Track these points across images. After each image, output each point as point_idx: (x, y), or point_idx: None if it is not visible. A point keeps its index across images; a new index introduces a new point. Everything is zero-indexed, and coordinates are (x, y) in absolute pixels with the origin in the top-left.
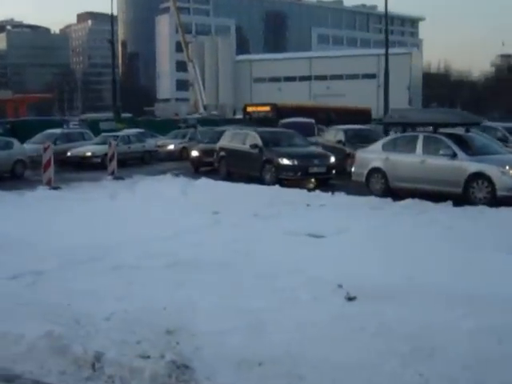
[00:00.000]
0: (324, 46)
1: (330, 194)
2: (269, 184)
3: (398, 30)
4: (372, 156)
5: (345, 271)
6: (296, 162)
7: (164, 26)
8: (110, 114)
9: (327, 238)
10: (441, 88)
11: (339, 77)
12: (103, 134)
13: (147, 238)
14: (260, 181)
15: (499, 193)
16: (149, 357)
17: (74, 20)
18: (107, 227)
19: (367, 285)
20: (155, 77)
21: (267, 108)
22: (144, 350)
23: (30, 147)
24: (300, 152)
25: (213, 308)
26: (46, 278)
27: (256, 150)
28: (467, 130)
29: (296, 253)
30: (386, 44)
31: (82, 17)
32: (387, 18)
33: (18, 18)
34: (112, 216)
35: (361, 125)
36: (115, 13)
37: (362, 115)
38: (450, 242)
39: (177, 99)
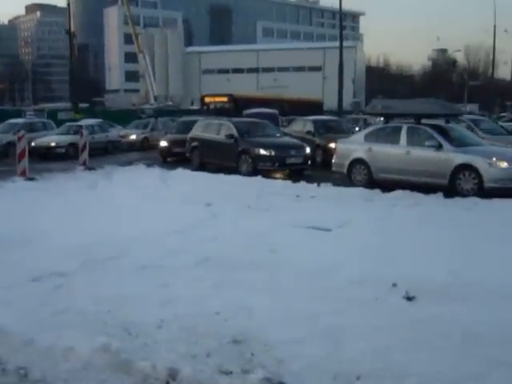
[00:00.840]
0: (269, 39)
1: (315, 185)
2: (245, 175)
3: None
4: (353, 147)
5: (382, 267)
6: (273, 153)
7: (112, 18)
8: (63, 104)
9: (334, 230)
10: (381, 81)
11: (286, 69)
12: (67, 123)
13: (153, 232)
14: (236, 171)
15: (487, 184)
16: (231, 372)
17: (22, 11)
18: (105, 221)
19: (416, 282)
20: (104, 68)
21: (224, 99)
22: (219, 364)
23: None
24: (276, 142)
25: (271, 312)
26: (72, 281)
27: (231, 141)
28: (447, 121)
29: (318, 247)
30: (340, 38)
31: (30, 8)
32: (341, 14)
33: None
34: (103, 208)
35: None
36: (64, 4)
37: (314, 107)
38: (463, 233)
39: (125, 90)
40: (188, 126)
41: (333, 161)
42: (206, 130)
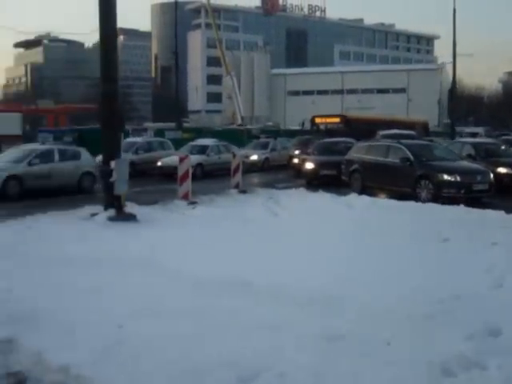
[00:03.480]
0: (345, 61)
1: None
2: (424, 201)
3: (414, 48)
4: None
5: None
6: (459, 178)
7: (196, 42)
8: (153, 124)
9: None
10: (456, 103)
11: (370, 91)
12: (190, 143)
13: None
14: (410, 197)
15: None
16: None
17: None
18: (379, 267)
19: None
20: (186, 89)
21: (337, 119)
22: None
23: None
24: (460, 167)
25: None
26: None
27: (407, 164)
28: None
29: None
30: (454, 62)
31: None
32: (455, 37)
33: (54, 33)
34: (345, 246)
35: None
36: (149, 29)
37: (421, 128)
38: None
39: (207, 111)
40: (329, 148)
41: None
42: (369, 152)
